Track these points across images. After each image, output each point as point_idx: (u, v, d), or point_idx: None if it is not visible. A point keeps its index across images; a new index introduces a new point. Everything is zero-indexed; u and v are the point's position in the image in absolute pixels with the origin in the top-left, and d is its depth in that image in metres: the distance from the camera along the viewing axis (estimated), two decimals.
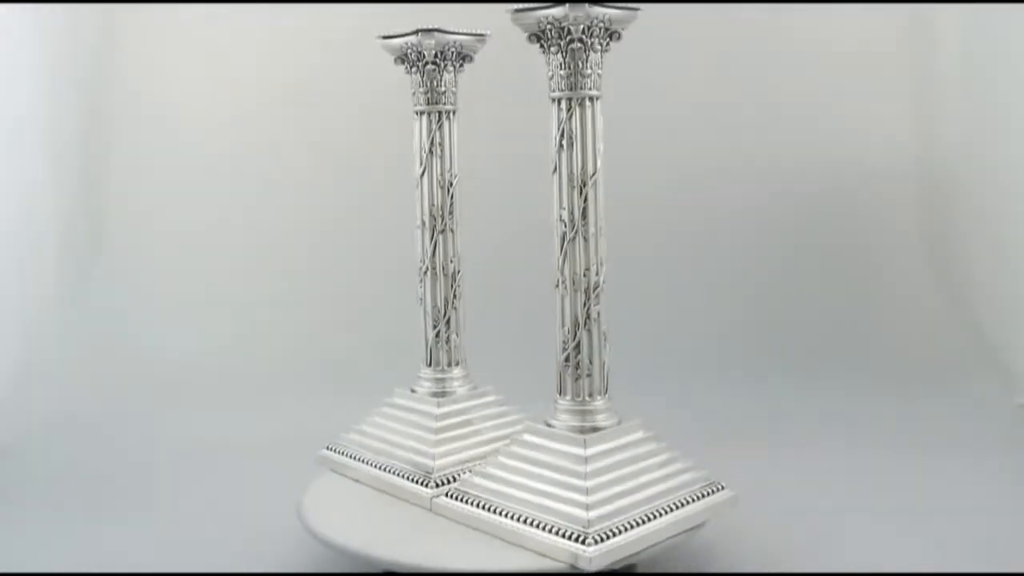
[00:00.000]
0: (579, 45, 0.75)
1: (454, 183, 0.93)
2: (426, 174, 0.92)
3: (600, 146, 0.77)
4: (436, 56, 0.90)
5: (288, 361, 1.55)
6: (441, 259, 0.92)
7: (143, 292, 1.62)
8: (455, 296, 0.93)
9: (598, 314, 0.78)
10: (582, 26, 0.75)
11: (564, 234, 0.77)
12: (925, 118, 1.65)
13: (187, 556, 0.92)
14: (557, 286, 0.79)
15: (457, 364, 0.94)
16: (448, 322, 0.93)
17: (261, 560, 0.91)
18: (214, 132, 1.68)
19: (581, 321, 0.78)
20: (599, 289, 0.78)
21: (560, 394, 0.80)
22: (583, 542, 0.72)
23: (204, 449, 1.24)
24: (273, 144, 1.69)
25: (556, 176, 0.78)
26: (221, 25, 1.66)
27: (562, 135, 0.77)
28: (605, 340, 0.79)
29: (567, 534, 0.73)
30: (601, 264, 0.78)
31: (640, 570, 0.84)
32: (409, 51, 0.91)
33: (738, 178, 1.67)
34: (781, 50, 1.66)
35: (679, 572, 0.87)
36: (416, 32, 0.90)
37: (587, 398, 0.79)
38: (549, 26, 0.76)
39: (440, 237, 0.92)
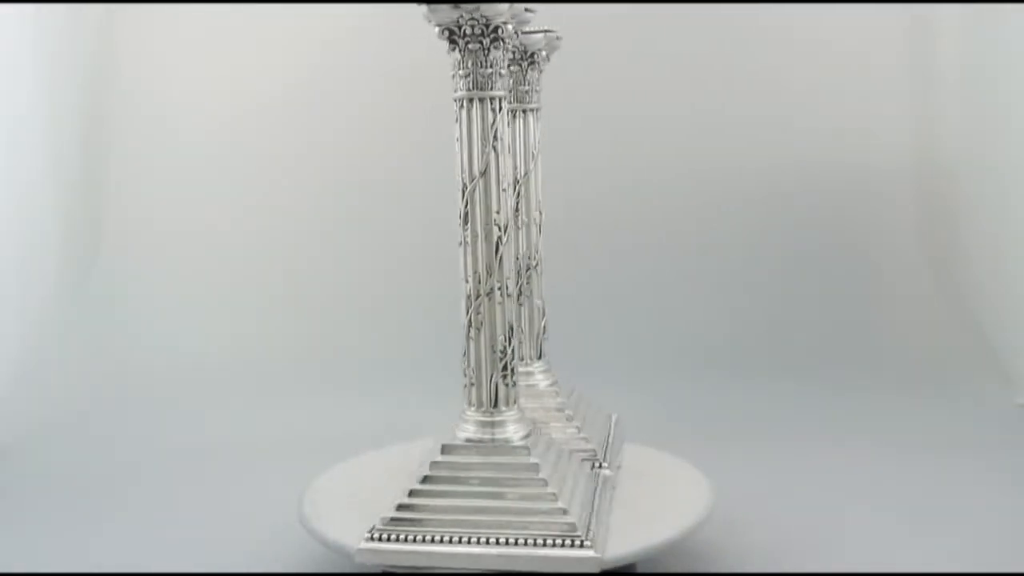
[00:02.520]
0: (462, 44, 0.74)
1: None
2: (534, 173, 0.94)
3: (489, 148, 0.75)
4: (539, 53, 0.91)
5: (289, 361, 1.55)
6: (542, 256, 0.95)
7: (143, 292, 1.62)
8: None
9: (481, 324, 0.77)
10: (462, 27, 0.74)
11: (499, 239, 0.76)
12: (925, 118, 1.65)
13: (187, 556, 0.92)
14: (489, 295, 0.77)
15: (539, 358, 0.96)
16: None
17: (261, 560, 0.91)
18: (214, 132, 1.68)
19: (465, 327, 0.77)
20: (480, 299, 0.76)
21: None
22: (366, 535, 0.74)
23: (204, 449, 1.24)
24: (274, 143, 1.69)
25: (485, 179, 0.76)
26: (221, 25, 1.66)
27: (495, 136, 0.75)
28: (495, 352, 0.77)
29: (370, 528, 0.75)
30: (487, 271, 0.76)
31: (640, 570, 0.84)
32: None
33: (738, 177, 1.67)
34: (781, 50, 1.66)
35: (679, 572, 0.87)
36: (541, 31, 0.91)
37: (465, 407, 0.78)
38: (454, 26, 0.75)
39: (541, 236, 0.95)
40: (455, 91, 0.75)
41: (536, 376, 0.96)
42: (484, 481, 0.76)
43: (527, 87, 0.92)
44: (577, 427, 0.91)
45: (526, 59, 0.92)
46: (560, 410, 0.93)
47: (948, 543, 0.92)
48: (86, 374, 1.48)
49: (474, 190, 0.76)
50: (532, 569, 0.72)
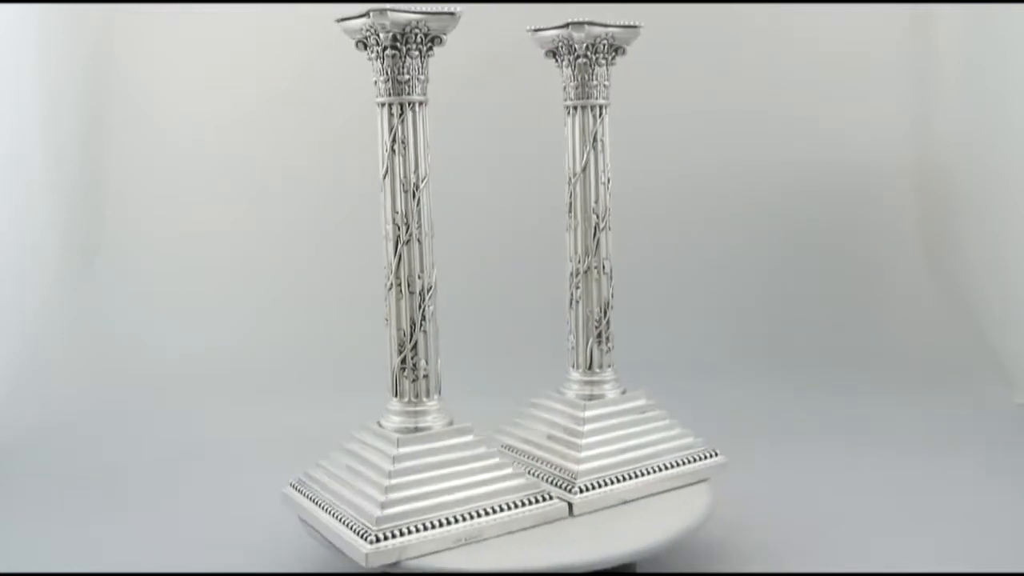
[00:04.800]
0: (394, 52, 0.78)
1: (609, 181, 0.92)
2: (587, 170, 0.90)
3: (387, 151, 0.79)
4: (587, 49, 0.89)
5: (288, 360, 1.55)
6: (602, 258, 0.91)
7: (143, 292, 1.62)
8: (612, 296, 0.93)
9: (434, 317, 0.81)
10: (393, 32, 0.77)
11: (398, 237, 0.80)
12: (925, 118, 1.65)
13: (187, 556, 0.92)
14: (391, 289, 0.81)
15: (589, 367, 0.92)
16: (608, 323, 0.92)
17: (260, 560, 0.91)
18: (214, 132, 1.68)
19: (417, 323, 0.81)
20: (432, 292, 0.81)
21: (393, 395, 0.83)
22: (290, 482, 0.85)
23: (204, 448, 1.24)
24: (273, 143, 1.69)
25: (387, 181, 0.79)
26: (221, 25, 1.66)
27: (393, 140, 0.78)
28: (395, 345, 0.82)
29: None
30: (432, 267, 0.81)
31: (640, 570, 0.84)
32: (560, 45, 0.90)
33: (738, 178, 1.67)
34: (781, 50, 1.66)
35: (679, 572, 0.87)
36: (567, 25, 0.88)
37: (413, 399, 0.82)
38: (369, 33, 0.78)
39: (602, 235, 0.92)
40: (384, 95, 0.79)
41: (605, 386, 0.92)
42: (362, 462, 0.81)
43: (575, 83, 0.89)
44: (579, 446, 0.87)
45: (571, 54, 0.88)
46: (579, 425, 0.89)
47: (948, 543, 0.92)
48: (86, 374, 1.48)
49: (381, 191, 0.80)
50: (339, 547, 0.77)
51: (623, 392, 0.92)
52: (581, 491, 0.84)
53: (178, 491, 1.10)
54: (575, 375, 0.93)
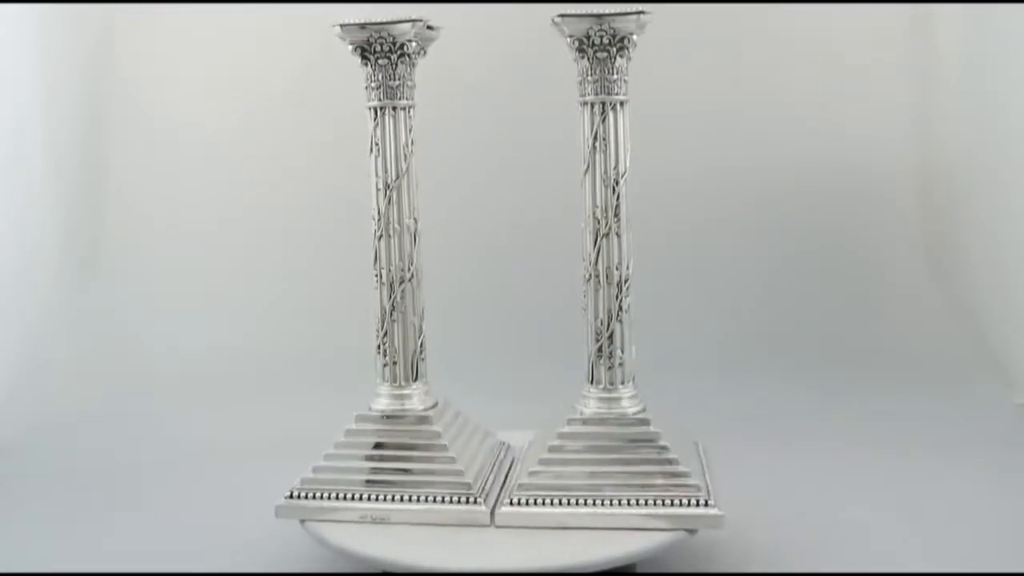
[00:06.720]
0: (364, 60, 0.83)
1: (621, 180, 0.85)
2: (590, 171, 0.85)
3: (406, 151, 0.84)
4: (580, 43, 0.81)
5: (288, 360, 1.55)
6: (605, 264, 0.85)
7: (143, 292, 1.62)
8: (620, 308, 0.86)
9: (405, 307, 0.86)
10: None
11: (374, 232, 0.85)
12: (925, 118, 1.65)
13: (187, 556, 0.92)
14: (373, 279, 0.86)
15: (591, 382, 0.85)
16: (612, 336, 0.85)
17: (260, 560, 0.91)
18: (214, 131, 1.68)
19: (388, 311, 0.85)
20: (404, 284, 0.85)
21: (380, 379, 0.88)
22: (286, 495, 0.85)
23: (204, 448, 1.24)
24: (273, 143, 1.69)
25: (371, 180, 0.85)
26: (221, 25, 1.66)
27: (371, 142, 0.84)
28: (417, 331, 0.87)
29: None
30: (410, 260, 0.85)
31: (640, 570, 0.84)
32: (570, 39, 0.83)
33: (739, 179, 1.67)
34: (781, 50, 1.66)
35: (679, 572, 0.87)
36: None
37: (393, 383, 0.87)
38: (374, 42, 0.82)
39: (604, 241, 0.85)
40: (375, 100, 0.84)
41: (623, 402, 0.85)
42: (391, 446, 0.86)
43: (581, 78, 0.83)
44: (536, 460, 0.83)
45: (573, 48, 0.82)
46: (552, 440, 0.84)
47: (948, 543, 0.92)
48: (86, 374, 1.48)
49: (398, 189, 0.85)
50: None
51: (637, 412, 0.85)
52: (511, 504, 0.81)
53: (178, 491, 1.10)
54: (586, 389, 0.86)
